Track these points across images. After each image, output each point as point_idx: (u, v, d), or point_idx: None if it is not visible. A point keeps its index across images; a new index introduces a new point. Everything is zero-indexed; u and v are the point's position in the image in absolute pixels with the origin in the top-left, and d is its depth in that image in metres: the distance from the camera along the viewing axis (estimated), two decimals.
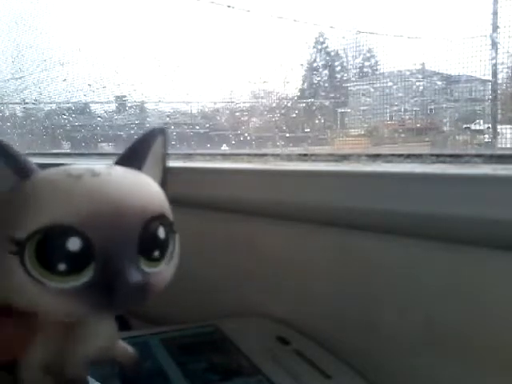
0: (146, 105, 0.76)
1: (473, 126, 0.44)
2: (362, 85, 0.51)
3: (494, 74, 0.39)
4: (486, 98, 0.44)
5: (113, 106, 0.81)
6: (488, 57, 0.37)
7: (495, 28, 0.36)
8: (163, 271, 0.21)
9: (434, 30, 0.40)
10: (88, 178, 0.20)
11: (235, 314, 0.40)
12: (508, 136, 0.40)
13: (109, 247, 0.19)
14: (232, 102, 0.61)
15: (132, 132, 0.77)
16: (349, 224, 0.33)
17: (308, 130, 0.56)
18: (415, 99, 0.47)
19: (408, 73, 0.45)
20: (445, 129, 0.48)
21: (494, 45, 0.37)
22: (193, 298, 0.42)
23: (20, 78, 0.83)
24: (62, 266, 0.18)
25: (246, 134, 0.58)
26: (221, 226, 0.42)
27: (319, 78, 0.53)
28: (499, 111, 0.42)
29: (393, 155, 0.38)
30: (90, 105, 0.83)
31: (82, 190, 0.19)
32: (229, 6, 0.56)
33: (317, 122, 0.55)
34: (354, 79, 0.51)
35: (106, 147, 0.82)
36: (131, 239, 0.19)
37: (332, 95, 0.53)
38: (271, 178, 0.39)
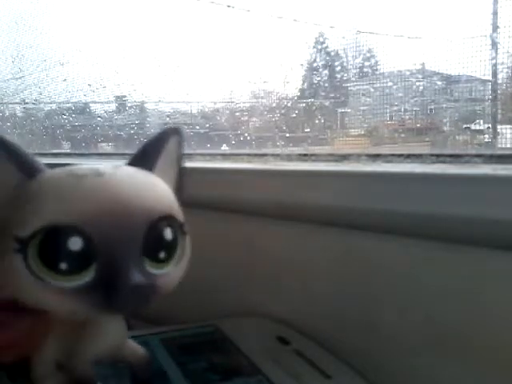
0: (145, 105, 0.76)
1: (473, 126, 0.44)
2: (362, 85, 0.51)
3: (494, 74, 0.39)
4: (486, 98, 0.44)
5: (113, 106, 0.81)
6: (488, 57, 0.37)
7: (495, 28, 0.36)
8: (171, 273, 0.21)
9: (434, 30, 0.40)
10: (92, 178, 0.20)
11: (235, 314, 0.40)
12: (508, 136, 0.40)
13: (111, 247, 0.19)
14: (232, 102, 0.61)
15: (132, 132, 0.77)
16: (349, 224, 0.33)
17: (308, 129, 0.56)
18: (415, 99, 0.47)
19: (408, 73, 0.45)
20: (445, 129, 0.48)
21: (494, 45, 0.37)
22: (193, 298, 0.42)
23: (20, 78, 0.83)
24: (63, 265, 0.18)
25: (246, 134, 0.58)
26: (221, 226, 0.42)
27: (319, 78, 0.53)
28: (499, 111, 0.42)
29: (393, 155, 0.38)
30: (90, 105, 0.83)
31: (85, 190, 0.19)
32: (229, 6, 0.56)
33: (317, 122, 0.55)
34: (354, 79, 0.51)
35: (106, 147, 0.82)
36: (135, 240, 0.19)
37: (332, 95, 0.53)
38: (271, 177, 0.39)
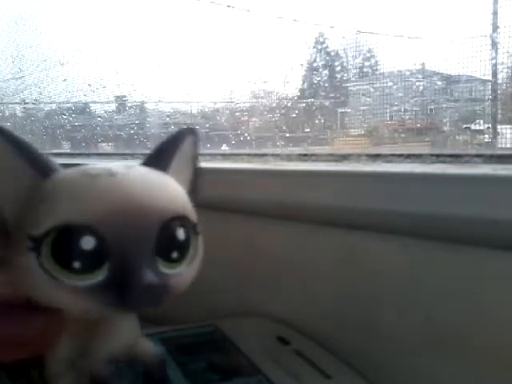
0: (145, 105, 0.76)
1: (473, 126, 0.44)
2: (362, 85, 0.51)
3: (494, 74, 0.39)
4: (486, 98, 0.44)
5: (113, 106, 0.81)
6: (488, 57, 0.37)
7: (495, 28, 0.36)
8: (183, 273, 0.21)
9: (434, 30, 0.40)
10: (105, 178, 0.20)
11: (235, 314, 0.40)
12: (508, 136, 0.40)
13: (124, 247, 0.19)
14: (232, 102, 0.61)
15: (132, 132, 0.77)
16: (349, 224, 0.33)
17: (308, 129, 0.56)
18: (415, 99, 0.47)
19: (408, 73, 0.45)
20: (445, 129, 0.48)
21: (494, 45, 0.37)
22: (193, 298, 0.42)
23: (20, 77, 0.83)
24: (76, 264, 0.19)
25: (246, 134, 0.58)
26: (221, 226, 0.42)
27: (319, 78, 0.53)
28: (499, 111, 0.42)
29: (393, 155, 0.38)
30: (90, 105, 0.83)
31: (98, 190, 0.19)
32: (229, 6, 0.56)
33: (317, 121, 0.55)
34: (354, 79, 0.51)
35: (106, 147, 0.82)
36: (147, 239, 0.19)
37: (332, 95, 0.53)
38: (271, 177, 0.39)
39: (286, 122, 0.55)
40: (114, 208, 0.19)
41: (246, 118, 0.60)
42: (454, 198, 0.28)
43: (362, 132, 0.53)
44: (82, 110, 0.84)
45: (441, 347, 0.29)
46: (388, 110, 0.50)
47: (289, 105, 0.55)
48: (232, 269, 0.41)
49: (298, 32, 0.50)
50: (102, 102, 0.79)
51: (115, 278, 0.19)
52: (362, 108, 0.53)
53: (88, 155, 0.77)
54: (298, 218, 0.37)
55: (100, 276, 0.19)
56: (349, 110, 0.54)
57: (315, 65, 0.52)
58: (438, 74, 0.45)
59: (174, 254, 0.21)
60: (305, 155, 0.44)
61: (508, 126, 0.40)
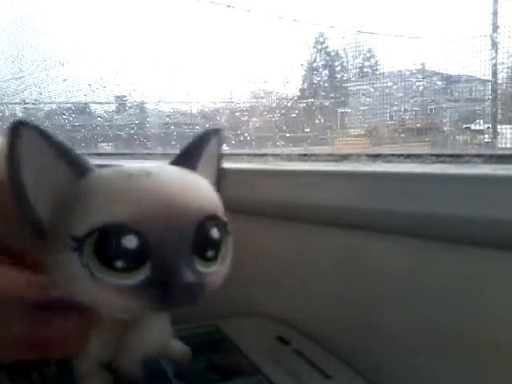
0: (145, 105, 0.76)
1: (473, 126, 0.44)
2: (362, 85, 0.51)
3: (494, 74, 0.39)
4: (486, 97, 0.44)
5: (113, 106, 0.81)
6: (488, 57, 0.37)
7: (495, 28, 0.36)
8: (217, 271, 0.22)
9: (434, 30, 0.40)
10: (141, 178, 0.20)
11: (235, 314, 0.40)
12: (508, 136, 0.40)
13: (164, 246, 0.19)
14: (232, 102, 0.61)
15: (132, 132, 0.77)
16: (349, 224, 0.33)
17: (308, 130, 0.56)
18: (415, 99, 0.47)
19: (408, 73, 0.45)
20: (445, 129, 0.48)
21: (494, 45, 0.37)
22: None
23: (20, 78, 0.83)
24: (119, 263, 0.19)
25: (246, 134, 0.58)
26: None
27: (319, 78, 0.53)
28: (499, 111, 0.42)
29: (393, 155, 0.38)
30: (90, 105, 0.83)
31: (137, 190, 0.20)
32: (229, 6, 0.56)
33: (317, 122, 0.55)
34: (354, 79, 0.51)
35: (106, 147, 0.82)
36: (185, 239, 0.20)
37: (332, 95, 0.53)
38: (271, 177, 0.39)
39: (286, 122, 0.55)
40: (153, 208, 0.19)
41: (246, 118, 0.60)
42: (454, 198, 0.28)
43: (362, 132, 0.53)
44: (82, 110, 0.84)
45: (441, 347, 0.29)
46: (388, 110, 0.49)
47: (289, 105, 0.55)
48: (232, 269, 0.41)
49: (298, 32, 0.50)
50: (101, 102, 0.79)
51: (157, 277, 0.19)
52: (361, 108, 0.53)
53: (88, 155, 0.76)
54: (298, 218, 0.37)
55: (142, 275, 0.19)
56: (349, 110, 0.54)
57: (315, 65, 0.52)
58: (438, 74, 0.45)
59: (209, 253, 0.21)
60: (305, 155, 0.44)
61: (508, 126, 0.40)
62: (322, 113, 0.54)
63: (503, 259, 0.27)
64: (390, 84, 0.47)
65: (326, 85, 0.53)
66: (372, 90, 0.50)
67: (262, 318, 0.39)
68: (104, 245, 0.19)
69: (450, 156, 0.34)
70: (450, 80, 0.45)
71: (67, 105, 0.83)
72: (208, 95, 0.64)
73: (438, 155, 0.35)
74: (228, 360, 0.33)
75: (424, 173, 0.31)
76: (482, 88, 0.43)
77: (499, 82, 0.39)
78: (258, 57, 0.53)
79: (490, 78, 0.40)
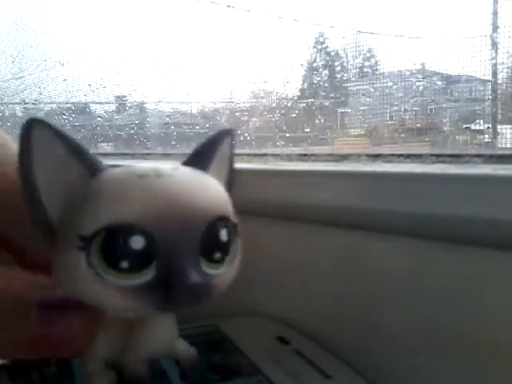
0: (145, 105, 0.76)
1: (473, 126, 0.44)
2: (362, 85, 0.51)
3: (494, 74, 0.39)
4: (486, 97, 0.44)
5: (113, 106, 0.81)
6: (488, 57, 0.37)
7: (495, 28, 0.36)
8: (225, 273, 0.21)
9: (434, 30, 0.40)
10: (153, 178, 0.20)
11: (235, 314, 0.40)
12: (508, 136, 0.40)
13: (171, 247, 0.19)
14: (232, 102, 0.61)
15: (132, 132, 0.77)
16: (349, 224, 0.33)
17: (308, 129, 0.56)
18: (415, 99, 0.47)
19: (408, 73, 0.45)
20: (445, 129, 0.48)
21: (494, 45, 0.37)
22: None
23: (20, 78, 0.83)
24: (124, 264, 0.19)
25: (246, 134, 0.58)
26: None
27: (319, 78, 0.53)
28: (499, 111, 0.42)
29: (393, 155, 0.38)
30: (90, 105, 0.83)
31: (147, 190, 0.20)
32: (229, 6, 0.56)
33: (317, 121, 0.55)
34: (354, 79, 0.51)
35: (106, 147, 0.82)
36: (193, 239, 0.20)
37: (332, 95, 0.53)
38: (271, 177, 0.39)
39: (286, 121, 0.55)
40: (161, 208, 0.19)
41: (246, 118, 0.60)
42: (454, 198, 0.28)
43: (362, 132, 0.53)
44: (82, 110, 0.84)
45: (441, 347, 0.29)
46: (388, 110, 0.49)
47: (289, 105, 0.55)
48: None
49: (298, 32, 0.50)
50: (101, 102, 0.79)
51: (162, 278, 0.19)
52: (361, 108, 0.53)
53: None
54: (298, 218, 0.37)
55: (148, 276, 0.19)
56: (349, 110, 0.54)
57: (315, 65, 0.52)
58: (438, 74, 0.45)
59: (217, 255, 0.21)
60: (305, 155, 0.44)
61: (508, 126, 0.40)
62: (322, 113, 0.54)
63: (503, 259, 0.27)
64: (390, 84, 0.47)
65: (326, 85, 0.53)
66: (372, 89, 0.50)
67: (261, 318, 0.39)
68: (110, 245, 0.19)
69: (450, 156, 0.34)
70: (450, 80, 0.45)
71: (67, 105, 0.83)
72: (208, 95, 0.64)
73: (438, 155, 0.35)
74: (228, 360, 0.33)
75: (424, 173, 0.31)
76: (482, 88, 0.43)
77: (499, 81, 0.39)
78: (258, 57, 0.53)
79: (490, 77, 0.40)
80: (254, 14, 0.54)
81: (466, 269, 0.28)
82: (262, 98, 0.57)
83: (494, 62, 0.38)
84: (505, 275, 0.27)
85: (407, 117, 0.49)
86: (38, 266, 0.21)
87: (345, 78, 0.52)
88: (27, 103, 0.88)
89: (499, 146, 0.42)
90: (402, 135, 0.48)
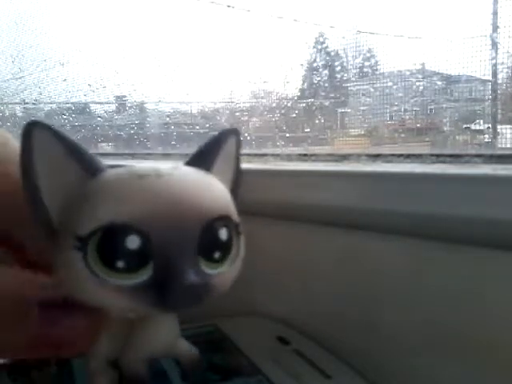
0: (145, 105, 0.76)
1: (473, 126, 0.44)
2: (362, 85, 0.51)
3: (494, 74, 0.39)
4: (486, 97, 0.44)
5: (113, 106, 0.81)
6: (488, 57, 0.37)
7: (495, 28, 0.36)
8: (225, 273, 0.21)
9: (434, 30, 0.40)
10: (151, 179, 0.20)
11: (235, 314, 0.40)
12: (508, 136, 0.40)
13: (167, 247, 0.19)
14: (232, 102, 0.61)
15: (132, 132, 0.77)
16: (349, 224, 0.33)
17: (308, 129, 0.56)
18: (415, 99, 0.47)
19: (408, 73, 0.45)
20: (445, 129, 0.48)
21: (494, 45, 0.37)
22: None
23: (20, 78, 0.83)
24: (121, 264, 0.19)
25: (246, 134, 0.58)
26: None
27: (319, 78, 0.53)
28: (499, 111, 0.42)
29: (393, 155, 0.38)
30: (90, 105, 0.83)
31: (143, 190, 0.20)
32: (229, 6, 0.56)
33: (317, 122, 0.55)
34: (354, 79, 0.51)
35: (106, 147, 0.82)
36: (191, 239, 0.20)
37: (332, 95, 0.53)
38: (271, 177, 0.39)
39: (286, 122, 0.55)
40: (158, 208, 0.19)
41: (246, 118, 0.60)
42: (454, 198, 0.28)
43: (362, 132, 0.53)
44: (82, 110, 0.84)
45: (441, 347, 0.29)
46: (388, 110, 0.49)
47: (289, 105, 0.55)
48: None
49: (298, 32, 0.50)
50: (101, 102, 0.79)
51: (158, 278, 0.19)
52: (361, 108, 0.53)
53: None
54: (298, 218, 0.37)
55: (144, 275, 0.19)
56: (349, 110, 0.54)
57: (315, 65, 0.52)
58: (438, 74, 0.45)
59: (217, 255, 0.21)
60: (305, 155, 0.44)
61: (508, 126, 0.40)
62: (322, 113, 0.54)
63: (503, 259, 0.27)
64: (390, 84, 0.47)
65: (326, 85, 0.53)
66: (372, 89, 0.50)
67: (261, 318, 0.39)
68: (106, 245, 0.19)
69: (450, 156, 0.34)
70: (450, 80, 0.45)
71: (67, 105, 0.83)
72: (208, 95, 0.64)
73: (438, 155, 0.35)
74: (228, 360, 0.33)
75: (424, 173, 0.31)
76: (482, 88, 0.43)
77: (499, 81, 0.39)
78: (258, 57, 0.53)
79: (490, 77, 0.40)
80: (254, 13, 0.54)
81: (465, 269, 0.28)
82: (262, 98, 0.57)
83: (494, 61, 0.38)
84: (505, 275, 0.27)
85: (407, 117, 0.49)
86: (39, 265, 0.21)
87: (345, 78, 0.52)
88: (27, 103, 0.88)
89: (499, 146, 0.42)
90: (402, 135, 0.48)
